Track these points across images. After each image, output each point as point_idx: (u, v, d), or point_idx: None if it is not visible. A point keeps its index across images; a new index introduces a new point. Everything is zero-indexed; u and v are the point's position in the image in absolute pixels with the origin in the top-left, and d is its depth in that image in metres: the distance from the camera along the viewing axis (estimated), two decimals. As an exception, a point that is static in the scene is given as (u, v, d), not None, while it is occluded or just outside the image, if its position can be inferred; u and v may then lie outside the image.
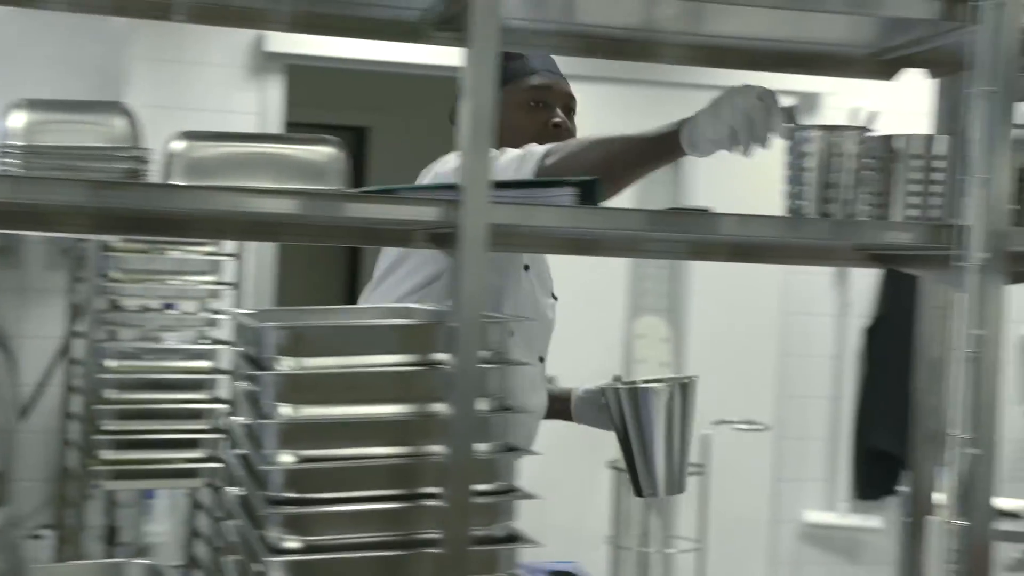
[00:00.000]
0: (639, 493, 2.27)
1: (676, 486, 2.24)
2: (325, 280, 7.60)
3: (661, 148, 2.08)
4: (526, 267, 2.43)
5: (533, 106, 2.43)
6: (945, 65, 1.93)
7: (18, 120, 1.42)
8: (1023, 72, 1.57)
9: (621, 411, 2.23)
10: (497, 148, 2.20)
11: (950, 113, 1.97)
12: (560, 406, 2.55)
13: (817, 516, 5.14)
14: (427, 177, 2.33)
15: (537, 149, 2.11)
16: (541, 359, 2.49)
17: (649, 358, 4.57)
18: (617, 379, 2.31)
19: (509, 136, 2.20)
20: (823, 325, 5.16)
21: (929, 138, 1.74)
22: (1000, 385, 1.61)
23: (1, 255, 4.38)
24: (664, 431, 2.20)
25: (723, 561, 4.72)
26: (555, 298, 2.52)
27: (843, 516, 5.13)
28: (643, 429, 2.21)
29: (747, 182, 4.48)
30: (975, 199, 1.58)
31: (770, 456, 5.06)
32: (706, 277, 4.89)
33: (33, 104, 1.45)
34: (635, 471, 2.23)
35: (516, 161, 2.08)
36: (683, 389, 2.22)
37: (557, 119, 2.43)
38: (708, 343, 4.93)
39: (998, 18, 1.57)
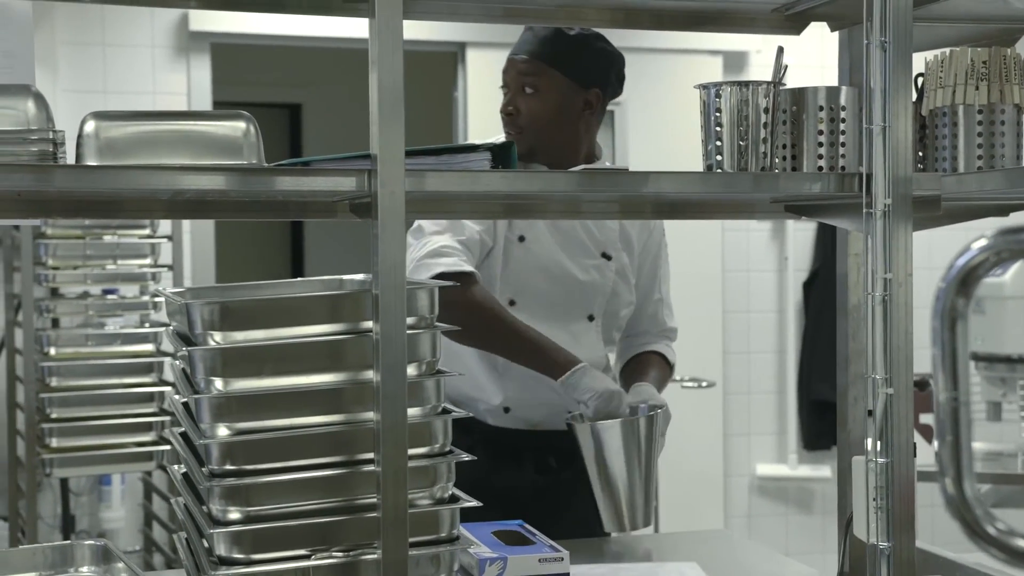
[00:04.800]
0: (605, 528, 2.29)
1: (640, 520, 2.26)
2: (268, 257, 7.58)
3: (537, 365, 2.38)
4: (521, 238, 2.48)
5: (503, 90, 2.51)
6: (846, 18, 1.97)
7: (-78, 108, 1.42)
8: (917, 22, 1.61)
9: (581, 446, 2.24)
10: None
11: (853, 65, 2.02)
12: None
13: (768, 469, 5.24)
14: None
15: (441, 264, 2.34)
16: (591, 317, 2.55)
17: (592, 320, 4.61)
18: (579, 416, 2.31)
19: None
20: (763, 281, 5.24)
21: (834, 90, 1.78)
22: (912, 326, 1.66)
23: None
24: (624, 465, 2.20)
25: (678, 516, 4.80)
26: (607, 257, 2.54)
27: (794, 468, 5.23)
28: (603, 464, 2.22)
29: (679, 144, 4.54)
30: (877, 147, 1.62)
31: (719, 412, 5.13)
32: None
33: (-64, 91, 1.45)
34: (598, 505, 2.26)
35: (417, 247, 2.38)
36: (647, 423, 2.22)
37: (508, 108, 2.49)
38: (651, 303, 4.98)
39: (894, -31, 1.61)
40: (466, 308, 2.31)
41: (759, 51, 5.03)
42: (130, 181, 1.49)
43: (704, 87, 1.77)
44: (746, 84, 1.75)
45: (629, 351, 2.67)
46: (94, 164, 1.51)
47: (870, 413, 1.69)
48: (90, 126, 1.49)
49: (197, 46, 4.61)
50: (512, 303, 2.48)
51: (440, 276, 2.30)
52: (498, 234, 2.48)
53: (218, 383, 1.58)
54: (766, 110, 1.74)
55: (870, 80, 1.62)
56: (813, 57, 4.00)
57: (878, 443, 1.67)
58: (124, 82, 4.51)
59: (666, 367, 2.65)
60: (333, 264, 5.00)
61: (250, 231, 7.12)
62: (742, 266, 5.20)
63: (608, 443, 2.20)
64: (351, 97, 6.74)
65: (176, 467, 1.89)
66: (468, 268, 2.37)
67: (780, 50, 1.79)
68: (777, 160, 1.79)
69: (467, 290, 2.34)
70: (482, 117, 4.81)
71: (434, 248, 2.38)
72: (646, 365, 2.60)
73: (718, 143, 1.75)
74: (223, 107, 4.85)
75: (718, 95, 1.75)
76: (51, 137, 1.46)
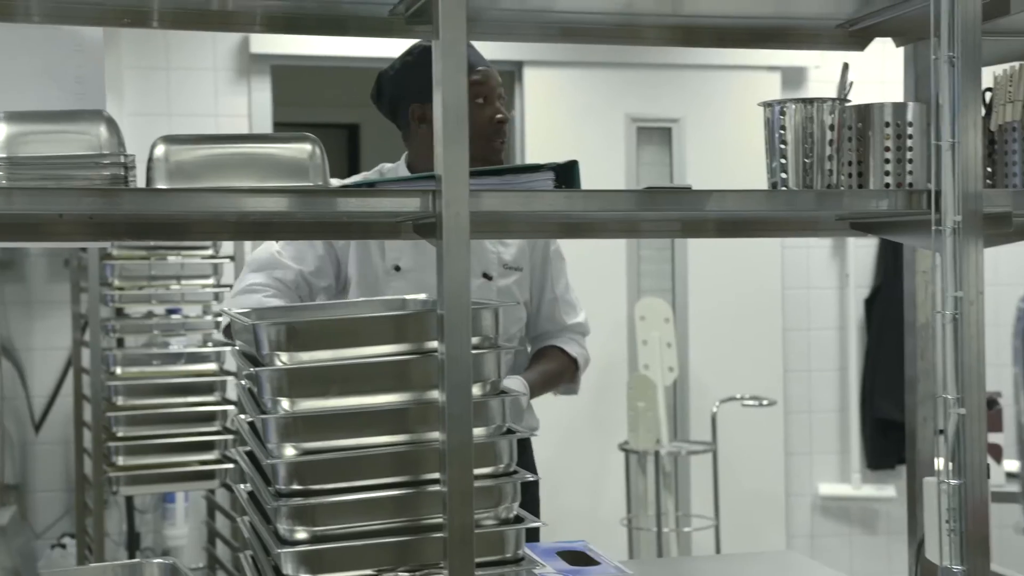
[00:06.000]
0: None
1: None
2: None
3: None
4: (396, 268, 2.54)
5: (479, 103, 2.52)
6: (911, 33, 1.95)
7: (0, 133, 1.45)
8: (985, 36, 1.59)
9: None
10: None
11: (919, 80, 1.99)
12: None
13: (831, 488, 5.17)
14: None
15: None
16: None
17: (652, 339, 4.60)
18: None
19: None
20: (824, 298, 5.18)
21: (900, 106, 1.77)
22: (984, 345, 1.63)
23: (4, 269, 4.43)
24: None
25: (739, 537, 4.75)
26: (488, 277, 2.59)
27: (857, 487, 5.15)
28: None
29: (738, 161, 4.52)
30: (946, 163, 1.60)
31: (780, 431, 5.08)
32: (704, 256, 4.93)
33: (13, 116, 1.47)
34: None
35: None
36: None
37: (500, 115, 2.54)
38: (710, 321, 4.96)
39: (961, -16, 1.59)
40: None
41: (818, 66, 4.99)
42: (198, 204, 1.51)
43: (768, 105, 1.76)
44: (811, 101, 1.73)
45: (534, 350, 2.78)
46: (163, 188, 1.53)
47: (941, 433, 1.66)
48: (160, 150, 1.52)
49: (258, 68, 4.67)
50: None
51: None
52: (374, 265, 2.54)
53: (285, 403, 1.59)
54: (831, 127, 1.73)
55: (938, 96, 1.60)
56: (874, 72, 3.96)
57: (950, 464, 1.64)
58: (187, 105, 4.58)
59: (562, 357, 2.74)
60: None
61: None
62: (802, 283, 5.15)
63: None
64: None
65: (242, 486, 1.91)
66: (273, 303, 2.44)
67: (845, 66, 1.77)
68: (843, 177, 1.77)
69: None
70: (540, 136, 4.82)
71: (244, 286, 2.52)
72: (536, 360, 2.72)
73: (783, 160, 1.74)
74: (283, 128, 4.89)
75: (782, 112, 1.74)
76: (122, 161, 1.48)
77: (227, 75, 4.64)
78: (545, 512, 2.50)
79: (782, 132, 1.75)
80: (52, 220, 1.69)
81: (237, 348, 1.87)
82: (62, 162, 1.45)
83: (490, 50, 4.63)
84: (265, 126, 4.67)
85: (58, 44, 1.71)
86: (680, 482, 4.82)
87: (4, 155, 1.44)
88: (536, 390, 2.62)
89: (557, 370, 2.72)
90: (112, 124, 1.51)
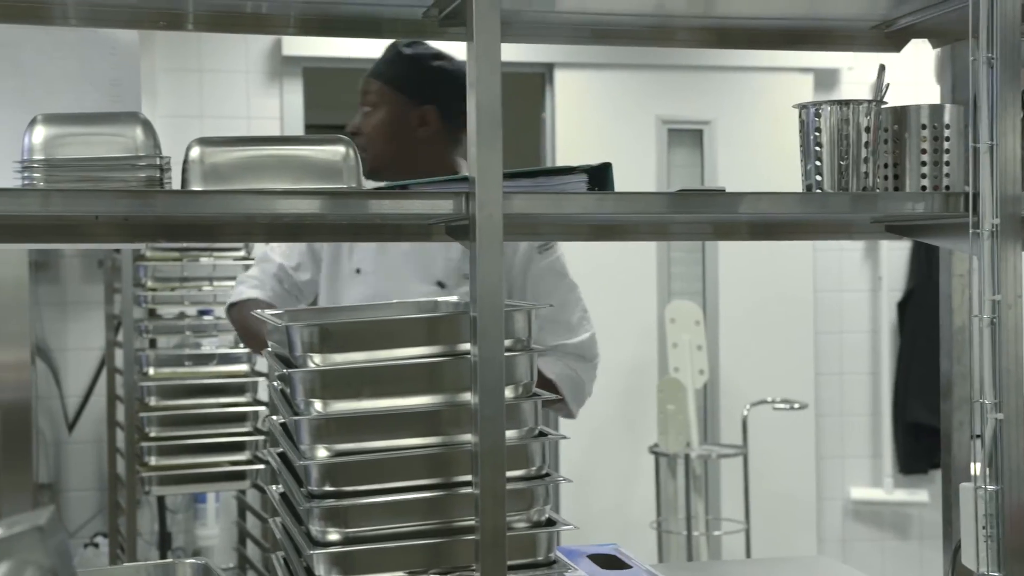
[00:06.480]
0: None
1: None
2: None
3: None
4: (357, 270, 2.58)
5: (366, 111, 2.62)
6: (949, 35, 1.93)
7: (38, 135, 1.46)
8: (1025, 36, 1.57)
9: None
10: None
11: (956, 81, 1.97)
12: None
13: (863, 492, 5.14)
14: None
15: None
16: None
17: (682, 342, 4.58)
18: None
19: None
20: (856, 301, 5.15)
21: (937, 107, 1.75)
22: (1023, 349, 1.61)
23: (39, 270, 4.46)
24: None
25: (770, 541, 4.73)
26: (441, 285, 2.57)
27: (889, 492, 5.12)
28: None
29: (770, 163, 4.50)
30: (984, 165, 1.58)
31: (812, 434, 5.05)
32: (735, 258, 4.91)
33: (51, 119, 1.48)
34: None
35: None
36: None
37: (348, 128, 2.60)
38: (741, 324, 4.94)
39: (999, -16, 1.58)
40: (236, 327, 2.79)
41: (851, 68, 4.96)
42: (231, 206, 1.51)
43: (803, 107, 1.75)
44: (847, 103, 1.72)
45: None
46: (197, 190, 1.54)
47: (977, 438, 1.64)
48: (195, 152, 1.52)
49: (289, 71, 4.69)
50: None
51: (234, 303, 2.73)
52: (341, 266, 2.62)
53: (318, 404, 1.60)
54: (867, 129, 1.71)
55: (976, 97, 1.58)
56: (907, 74, 3.93)
57: (987, 469, 1.62)
58: (220, 107, 4.61)
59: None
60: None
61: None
62: (834, 286, 5.12)
63: None
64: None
65: (274, 487, 1.91)
66: (250, 295, 2.69)
67: (882, 68, 1.76)
68: (878, 180, 1.76)
69: (234, 312, 2.74)
70: (571, 138, 4.82)
71: (239, 277, 2.82)
72: None
73: (817, 163, 1.73)
74: (315, 130, 4.90)
75: (818, 114, 1.73)
76: (158, 163, 1.49)
77: (259, 77, 4.66)
78: (574, 514, 2.49)
79: (817, 134, 1.73)
80: (88, 222, 1.70)
81: (270, 349, 1.87)
82: (99, 164, 1.46)
83: (520, 52, 4.66)
84: (297, 128, 4.69)
85: (94, 47, 1.72)
86: (710, 485, 4.80)
87: (42, 157, 1.45)
88: None
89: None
90: (148, 126, 1.52)
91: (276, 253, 2.72)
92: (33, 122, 1.48)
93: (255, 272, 2.76)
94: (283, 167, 1.55)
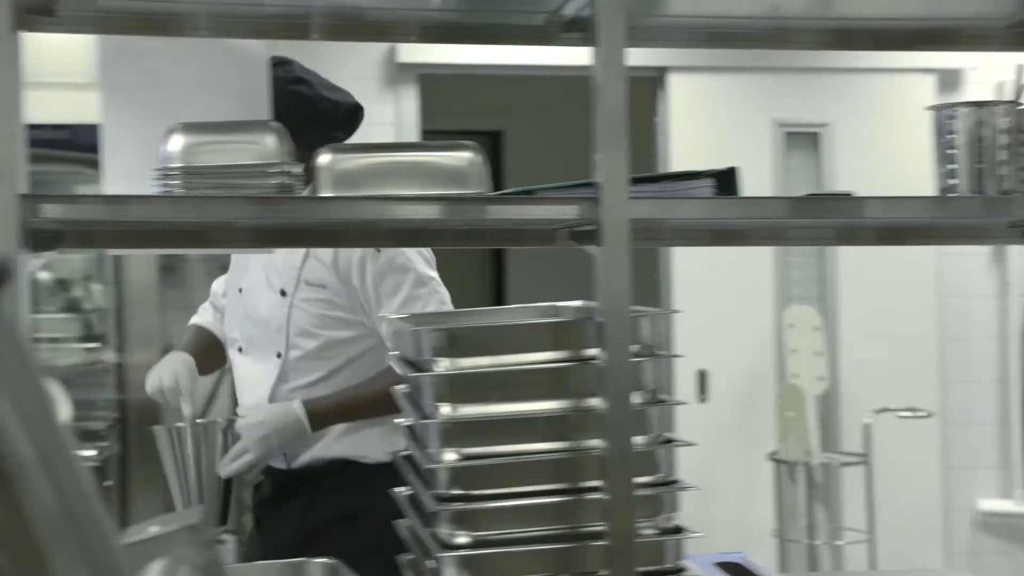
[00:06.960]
0: None
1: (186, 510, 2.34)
2: (471, 283, 7.71)
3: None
4: (240, 290, 2.58)
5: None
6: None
7: (176, 143, 1.50)
8: None
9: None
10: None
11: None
12: None
13: (992, 504, 4.98)
14: None
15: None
16: (279, 355, 2.52)
17: (801, 347, 4.50)
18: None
19: None
20: (983, 307, 5.00)
21: (1081, 105, 1.69)
22: None
23: (166, 274, 4.58)
24: (173, 469, 2.36)
25: (895, 552, 4.61)
26: (283, 294, 2.50)
27: (1019, 503, 4.95)
28: (163, 465, 2.39)
29: (891, 166, 4.39)
30: None
31: (937, 444, 4.92)
32: (854, 263, 4.80)
33: (188, 127, 1.52)
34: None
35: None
36: (193, 431, 2.37)
37: None
38: (862, 330, 4.84)
39: None
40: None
41: (975, 68, 4.81)
42: (355, 212, 1.53)
43: (937, 108, 1.70)
44: (982, 104, 1.67)
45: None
46: (322, 196, 1.56)
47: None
48: (325, 159, 1.55)
49: (404, 77, 4.74)
50: (241, 350, 2.60)
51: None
52: (234, 284, 2.61)
53: (446, 408, 1.60)
54: (1005, 131, 1.66)
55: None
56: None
57: None
58: (337, 116, 4.67)
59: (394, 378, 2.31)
60: (535, 291, 5.03)
61: (454, 254, 7.26)
62: (960, 291, 4.98)
63: (160, 445, 2.39)
64: (549, 123, 6.85)
65: (401, 489, 1.92)
66: (194, 321, 2.84)
67: (1020, 68, 1.70)
68: (1015, 182, 1.70)
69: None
70: (684, 143, 4.77)
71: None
72: (359, 383, 2.49)
73: (952, 166, 1.68)
74: (429, 136, 4.93)
75: (952, 116, 1.68)
76: (289, 170, 1.51)
77: (374, 84, 4.72)
78: (694, 521, 2.46)
79: (951, 137, 1.69)
80: (217, 227, 1.74)
81: (396, 353, 1.89)
82: (233, 171, 1.50)
83: (632, 56, 4.60)
84: (411, 134, 4.74)
85: (223, 56, 1.76)
86: (831, 494, 4.70)
87: (181, 164, 1.49)
88: (336, 415, 2.44)
89: (378, 391, 2.33)
90: (280, 133, 1.55)
91: (215, 282, 2.81)
92: (171, 131, 1.52)
93: (206, 302, 2.87)
94: (410, 173, 1.56)
